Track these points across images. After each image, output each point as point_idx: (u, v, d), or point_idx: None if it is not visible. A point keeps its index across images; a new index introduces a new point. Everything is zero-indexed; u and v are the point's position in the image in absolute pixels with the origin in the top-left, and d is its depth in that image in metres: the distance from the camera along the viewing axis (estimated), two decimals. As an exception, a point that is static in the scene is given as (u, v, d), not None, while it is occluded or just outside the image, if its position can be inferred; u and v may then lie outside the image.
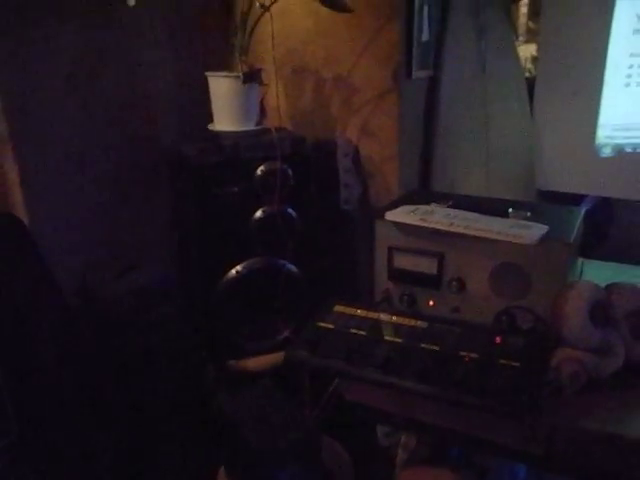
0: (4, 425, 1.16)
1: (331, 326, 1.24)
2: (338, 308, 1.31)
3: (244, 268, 1.66)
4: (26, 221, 1.32)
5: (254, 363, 1.72)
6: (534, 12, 2.68)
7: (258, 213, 1.64)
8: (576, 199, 2.34)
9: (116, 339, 1.48)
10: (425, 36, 1.90)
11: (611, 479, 1.02)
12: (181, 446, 1.52)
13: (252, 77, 1.55)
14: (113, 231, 1.63)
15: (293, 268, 1.71)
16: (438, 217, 1.27)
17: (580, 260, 1.46)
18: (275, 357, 1.71)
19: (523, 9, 2.77)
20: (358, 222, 1.85)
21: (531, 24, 2.74)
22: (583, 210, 1.36)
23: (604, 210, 2.43)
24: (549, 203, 2.29)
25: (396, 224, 1.29)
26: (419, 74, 1.89)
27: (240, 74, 1.53)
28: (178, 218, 1.78)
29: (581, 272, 1.47)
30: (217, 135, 1.64)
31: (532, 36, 2.68)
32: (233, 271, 1.65)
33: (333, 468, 1.45)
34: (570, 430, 1.02)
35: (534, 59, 2.63)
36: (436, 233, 1.25)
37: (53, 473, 1.28)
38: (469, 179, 2.15)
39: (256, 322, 1.75)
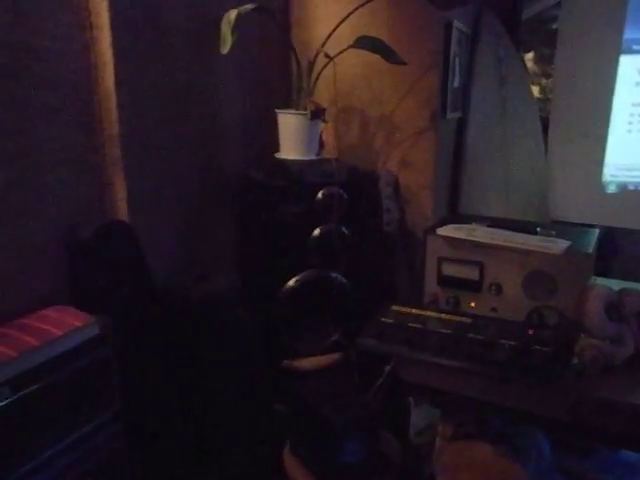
0: (111, 398, 1.36)
1: (391, 321, 1.50)
2: (395, 308, 1.57)
3: (302, 278, 1.91)
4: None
5: (308, 363, 1.95)
6: (539, 58, 3.07)
7: (316, 231, 1.88)
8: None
9: (196, 335, 1.72)
10: (456, 83, 2.20)
11: (622, 439, 1.27)
12: (250, 426, 1.75)
13: (318, 115, 1.82)
14: (189, 243, 1.88)
15: (344, 280, 1.96)
16: (480, 233, 1.54)
17: (593, 277, 1.73)
18: (326, 358, 1.95)
19: (529, 55, 3.12)
20: (397, 241, 2.11)
21: (536, 68, 3.10)
22: (597, 231, 1.63)
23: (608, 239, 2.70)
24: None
25: (445, 238, 1.56)
26: (451, 115, 2.18)
27: (308, 112, 1.80)
28: (245, 234, 2.03)
29: (595, 285, 1.73)
30: (283, 162, 1.90)
31: (537, 78, 3.09)
32: (292, 281, 1.90)
33: (385, 451, 1.68)
34: (591, 400, 1.27)
35: (539, 100, 3.00)
36: (478, 246, 1.52)
37: (143, 445, 1.51)
38: (490, 207, 2.42)
39: (309, 327, 1.99)
